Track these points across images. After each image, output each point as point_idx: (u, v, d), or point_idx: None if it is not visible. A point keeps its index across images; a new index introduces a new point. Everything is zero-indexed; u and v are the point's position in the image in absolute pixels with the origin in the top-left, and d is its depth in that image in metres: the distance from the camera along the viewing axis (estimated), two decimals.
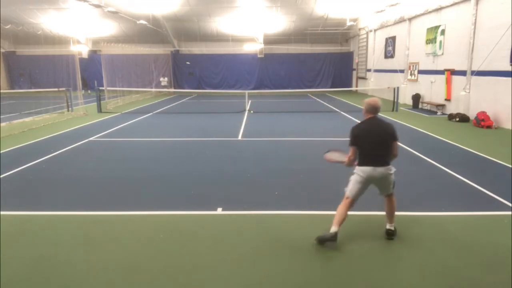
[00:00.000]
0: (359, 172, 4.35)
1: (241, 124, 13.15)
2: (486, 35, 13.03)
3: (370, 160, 4.31)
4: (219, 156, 8.71)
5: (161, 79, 29.83)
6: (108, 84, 21.17)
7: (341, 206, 4.39)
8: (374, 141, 4.29)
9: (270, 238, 4.55)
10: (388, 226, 4.53)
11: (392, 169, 4.44)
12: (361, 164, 4.36)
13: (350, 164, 4.48)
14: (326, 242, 4.23)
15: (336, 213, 4.36)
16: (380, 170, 4.29)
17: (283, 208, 5.46)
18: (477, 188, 6.19)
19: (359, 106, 19.03)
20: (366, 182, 4.36)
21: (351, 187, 4.40)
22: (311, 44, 31.49)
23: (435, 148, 9.26)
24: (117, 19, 26.17)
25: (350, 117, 14.97)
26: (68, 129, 12.25)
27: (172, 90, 28.40)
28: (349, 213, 5.24)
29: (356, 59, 29.39)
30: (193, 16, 26.35)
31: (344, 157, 4.60)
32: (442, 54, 16.12)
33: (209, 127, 12.86)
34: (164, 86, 28.95)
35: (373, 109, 4.34)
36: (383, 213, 5.24)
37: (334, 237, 4.21)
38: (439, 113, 15.66)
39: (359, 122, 4.56)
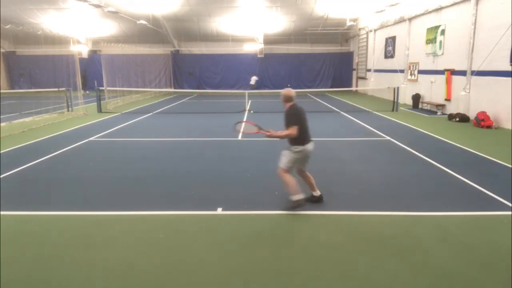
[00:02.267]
0: (300, 149, 5.20)
1: (241, 124, 13.13)
2: (486, 35, 13.03)
3: (308, 138, 5.27)
4: (219, 156, 8.71)
5: (252, 77, 28.79)
6: (108, 84, 21.17)
7: (287, 179, 5.27)
8: (306, 121, 5.30)
9: (270, 238, 4.55)
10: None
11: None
12: (302, 142, 5.20)
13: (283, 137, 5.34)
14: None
15: (290, 186, 5.26)
16: (312, 145, 5.32)
17: (283, 208, 5.45)
18: (477, 188, 6.19)
19: (359, 106, 19.04)
20: (303, 158, 5.33)
21: (290, 163, 5.28)
22: (311, 44, 31.50)
23: (435, 148, 9.26)
24: (117, 19, 26.19)
25: (350, 117, 14.98)
26: (68, 129, 12.25)
27: (257, 91, 27.73)
28: (348, 213, 5.32)
29: (356, 59, 29.40)
30: (193, 16, 26.36)
31: (255, 128, 5.53)
32: (442, 54, 16.12)
33: (209, 127, 12.86)
34: (252, 86, 28.24)
35: (292, 98, 5.30)
36: (383, 213, 5.26)
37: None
38: (439, 113, 15.66)
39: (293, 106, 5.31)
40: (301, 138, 5.15)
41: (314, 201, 5.50)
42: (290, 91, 5.32)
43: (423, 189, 6.26)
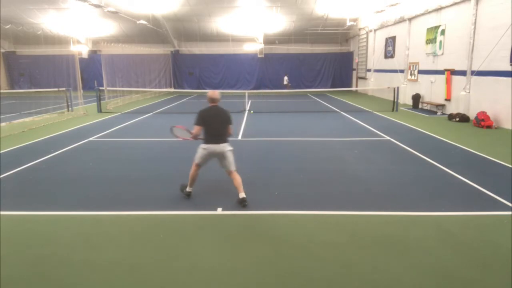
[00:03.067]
0: (204, 147, 5.58)
1: (241, 124, 13.14)
2: (486, 35, 13.03)
3: (214, 138, 5.55)
4: None
5: (285, 77, 29.21)
6: (108, 84, 21.17)
7: (192, 171, 5.74)
8: (217, 123, 5.58)
9: (270, 238, 4.55)
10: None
11: (229, 147, 5.66)
12: (206, 141, 5.57)
13: (195, 138, 5.71)
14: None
15: (190, 178, 5.74)
16: (221, 146, 5.54)
17: (283, 208, 5.45)
18: (477, 188, 6.19)
19: (359, 106, 19.04)
20: (209, 155, 5.64)
21: (199, 158, 5.69)
22: (311, 44, 31.51)
23: (435, 148, 9.26)
24: (117, 19, 26.18)
25: (350, 117, 14.98)
26: (68, 129, 12.25)
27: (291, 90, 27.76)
28: (348, 213, 5.30)
29: (356, 59, 29.40)
30: (193, 16, 26.36)
31: (187, 134, 5.86)
32: (442, 54, 16.12)
33: None
34: (286, 86, 28.37)
35: (214, 99, 5.66)
36: (383, 213, 5.27)
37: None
38: (439, 113, 15.66)
39: (208, 107, 5.64)
40: (205, 138, 5.60)
41: (239, 203, 5.49)
42: (213, 93, 5.72)
43: (423, 189, 6.26)
